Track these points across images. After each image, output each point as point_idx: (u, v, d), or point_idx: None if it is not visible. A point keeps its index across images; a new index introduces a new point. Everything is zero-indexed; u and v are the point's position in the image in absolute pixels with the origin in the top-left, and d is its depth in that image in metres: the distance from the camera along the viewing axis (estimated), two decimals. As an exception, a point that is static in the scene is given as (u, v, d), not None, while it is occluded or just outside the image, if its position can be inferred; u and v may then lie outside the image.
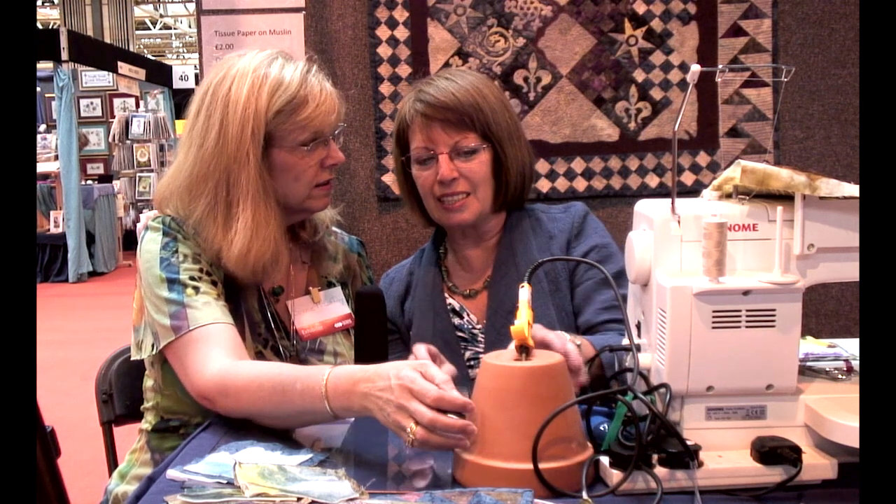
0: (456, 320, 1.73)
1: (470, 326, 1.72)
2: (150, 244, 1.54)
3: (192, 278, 1.50)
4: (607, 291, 1.62)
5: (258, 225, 1.51)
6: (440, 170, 1.64)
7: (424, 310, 1.74)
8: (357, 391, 1.24)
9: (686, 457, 1.09)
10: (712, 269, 1.12)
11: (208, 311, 1.47)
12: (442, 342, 1.67)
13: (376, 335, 1.64)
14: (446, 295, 1.76)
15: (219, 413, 1.43)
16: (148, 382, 1.66)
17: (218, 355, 1.42)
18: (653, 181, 2.27)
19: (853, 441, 1.06)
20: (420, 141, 1.66)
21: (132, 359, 1.61)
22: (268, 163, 1.54)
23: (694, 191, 2.22)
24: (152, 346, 1.52)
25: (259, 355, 1.57)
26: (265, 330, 1.62)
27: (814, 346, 1.47)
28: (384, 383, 1.21)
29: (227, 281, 1.59)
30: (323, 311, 1.69)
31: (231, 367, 1.40)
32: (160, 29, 18.61)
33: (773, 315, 1.12)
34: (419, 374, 1.18)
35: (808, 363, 1.28)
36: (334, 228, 1.83)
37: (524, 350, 1.17)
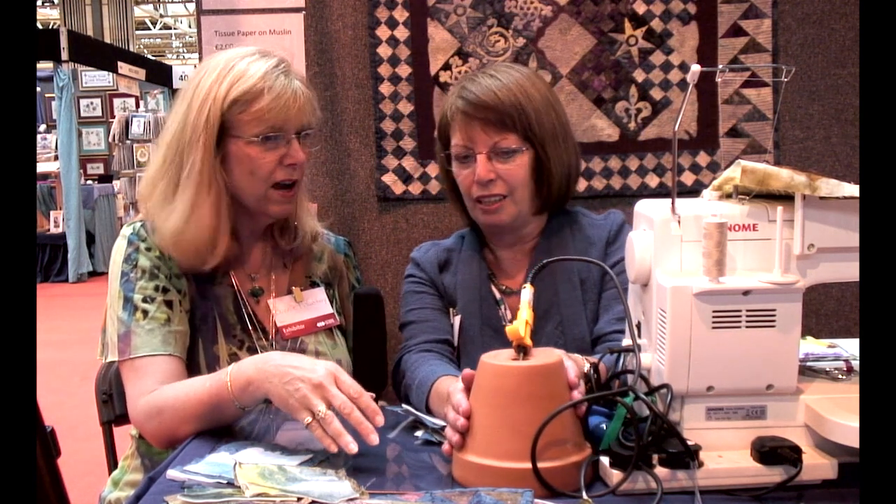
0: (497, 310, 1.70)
1: (505, 322, 1.68)
2: (117, 254, 1.59)
3: (144, 299, 1.53)
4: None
5: (194, 208, 1.53)
6: (478, 170, 1.60)
7: (470, 294, 1.68)
8: (269, 365, 1.33)
9: (686, 457, 1.09)
10: (712, 269, 1.12)
11: (149, 340, 1.50)
12: (491, 330, 1.65)
13: (374, 336, 1.63)
14: (490, 283, 1.72)
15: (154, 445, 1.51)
16: None
17: (148, 388, 1.47)
18: (653, 181, 2.27)
19: (853, 441, 1.06)
20: (459, 139, 1.63)
21: (97, 357, 1.63)
22: (223, 152, 1.55)
23: (694, 191, 2.21)
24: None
25: (234, 357, 1.57)
26: (241, 331, 1.62)
27: (814, 346, 1.47)
28: (311, 365, 1.29)
29: (202, 283, 1.60)
30: (305, 311, 1.68)
31: (154, 392, 1.46)
32: (160, 29, 18.61)
33: (773, 315, 1.12)
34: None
35: (808, 363, 1.28)
36: (319, 229, 1.81)
37: (522, 350, 1.17)
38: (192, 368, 1.56)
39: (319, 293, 1.72)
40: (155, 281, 1.55)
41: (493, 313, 1.67)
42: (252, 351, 1.60)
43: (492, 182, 1.60)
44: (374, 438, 1.22)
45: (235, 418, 1.42)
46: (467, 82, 1.64)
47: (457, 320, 1.68)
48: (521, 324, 1.18)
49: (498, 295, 1.70)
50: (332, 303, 1.73)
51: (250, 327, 1.63)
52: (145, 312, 1.52)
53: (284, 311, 1.67)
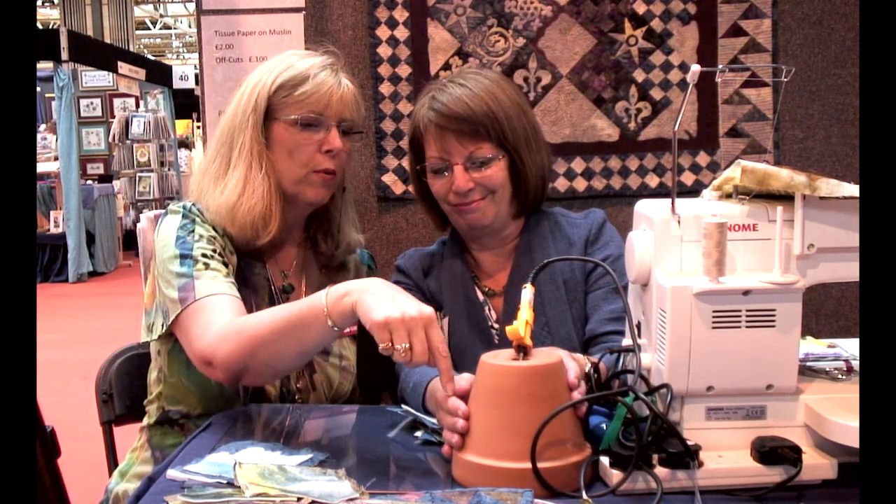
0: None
1: (491, 322, 1.69)
2: (168, 226, 1.60)
3: (204, 255, 1.54)
4: (616, 301, 1.59)
5: (247, 182, 1.59)
6: (456, 181, 1.61)
7: (455, 296, 1.69)
8: (372, 282, 1.30)
9: (686, 457, 1.09)
10: (712, 269, 1.12)
11: (215, 284, 1.49)
12: (479, 331, 1.66)
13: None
14: (473, 285, 1.72)
15: (221, 379, 1.44)
16: (152, 375, 1.67)
17: (221, 321, 1.43)
18: (653, 181, 2.27)
19: (853, 441, 1.06)
20: (434, 151, 1.63)
21: (141, 340, 1.65)
22: (267, 134, 1.61)
23: (694, 191, 2.22)
24: (162, 325, 1.54)
25: None
26: None
27: (814, 346, 1.47)
28: (410, 301, 1.25)
29: (244, 269, 1.63)
30: None
31: (229, 321, 1.43)
32: (160, 29, 18.60)
33: (773, 315, 1.12)
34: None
35: (808, 363, 1.28)
36: (361, 242, 1.83)
37: (522, 350, 1.17)
38: None
39: None
40: (212, 246, 1.57)
41: (478, 314, 1.68)
42: None
43: (471, 191, 1.62)
44: (451, 387, 1.22)
45: (320, 342, 1.38)
46: (436, 92, 1.64)
47: (445, 323, 1.69)
48: (521, 324, 1.18)
49: (481, 297, 1.71)
50: None
51: None
52: (206, 265, 1.53)
53: None
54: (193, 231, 1.58)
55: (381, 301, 1.24)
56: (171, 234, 1.57)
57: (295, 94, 1.59)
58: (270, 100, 1.60)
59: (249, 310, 1.56)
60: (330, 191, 1.66)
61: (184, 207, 1.63)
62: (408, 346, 1.21)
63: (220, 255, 1.56)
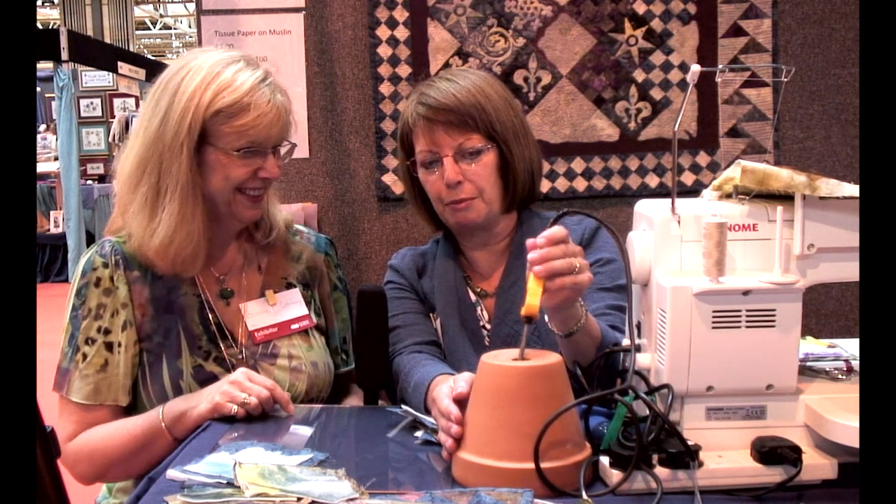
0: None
1: (483, 322, 1.69)
2: (75, 277, 1.61)
3: (86, 341, 1.56)
4: (602, 298, 1.59)
5: (183, 218, 1.52)
6: (446, 173, 1.61)
7: (448, 297, 1.69)
8: (193, 397, 1.49)
9: (686, 457, 1.09)
10: (712, 269, 1.12)
11: (82, 386, 1.55)
12: (469, 332, 1.66)
13: (378, 333, 1.63)
14: (466, 286, 1.72)
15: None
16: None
17: (74, 432, 1.55)
18: (653, 181, 2.27)
19: (853, 441, 1.06)
20: (424, 144, 1.64)
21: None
22: (199, 158, 1.53)
23: (694, 191, 2.22)
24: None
25: (198, 369, 1.55)
26: (207, 342, 1.59)
27: (814, 346, 1.47)
28: (220, 382, 1.48)
29: (165, 294, 1.59)
30: (278, 313, 1.66)
31: (82, 436, 1.54)
32: (160, 29, 18.60)
33: (773, 315, 1.12)
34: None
35: (808, 363, 1.28)
36: (300, 227, 1.80)
37: (529, 320, 1.18)
38: (156, 384, 1.56)
39: (294, 294, 1.70)
40: (98, 322, 1.56)
41: (470, 315, 1.69)
42: (218, 361, 1.58)
43: (460, 184, 1.62)
44: (292, 408, 1.48)
45: (166, 453, 1.41)
46: (425, 88, 1.66)
47: (437, 323, 1.70)
48: (534, 296, 1.19)
49: (473, 297, 1.71)
50: (309, 304, 1.70)
51: (218, 336, 1.60)
52: (84, 356, 1.55)
53: (256, 314, 1.64)
54: (85, 302, 1.57)
55: (209, 396, 1.44)
56: (72, 291, 1.60)
57: (235, 123, 1.51)
58: (205, 123, 1.51)
59: (177, 338, 1.58)
60: (262, 207, 1.63)
61: (90, 260, 1.59)
62: (246, 396, 1.42)
63: (105, 330, 1.56)
